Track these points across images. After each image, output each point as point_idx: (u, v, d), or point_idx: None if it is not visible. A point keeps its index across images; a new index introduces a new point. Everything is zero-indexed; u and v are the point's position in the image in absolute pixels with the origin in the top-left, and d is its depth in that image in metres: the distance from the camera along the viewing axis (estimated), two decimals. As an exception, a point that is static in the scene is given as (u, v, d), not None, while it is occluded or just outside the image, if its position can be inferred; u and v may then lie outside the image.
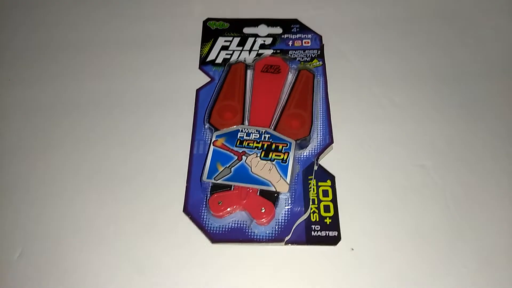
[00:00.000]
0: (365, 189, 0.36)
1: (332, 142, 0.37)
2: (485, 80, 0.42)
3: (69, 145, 0.38)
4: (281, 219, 0.33)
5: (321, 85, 0.41)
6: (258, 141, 0.36)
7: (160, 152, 0.38)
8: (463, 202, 0.35)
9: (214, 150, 0.35)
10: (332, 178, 0.36)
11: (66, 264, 0.33)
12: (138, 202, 0.35)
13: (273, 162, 0.34)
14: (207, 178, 0.34)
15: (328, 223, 0.34)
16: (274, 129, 0.37)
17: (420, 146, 0.38)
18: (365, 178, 0.36)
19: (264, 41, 0.44)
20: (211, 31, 0.45)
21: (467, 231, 0.34)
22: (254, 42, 0.44)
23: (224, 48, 0.44)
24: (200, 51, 0.44)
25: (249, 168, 0.34)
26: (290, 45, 0.44)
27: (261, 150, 0.35)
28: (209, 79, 0.42)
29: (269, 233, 0.33)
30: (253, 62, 0.42)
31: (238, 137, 0.36)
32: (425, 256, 0.33)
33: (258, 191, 0.33)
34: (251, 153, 0.35)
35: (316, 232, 0.33)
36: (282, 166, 0.34)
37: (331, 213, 0.34)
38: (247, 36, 0.44)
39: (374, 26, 0.46)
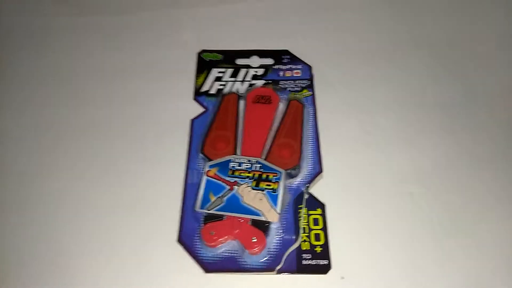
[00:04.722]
0: (355, 217, 0.36)
1: (321, 171, 0.38)
2: (470, 107, 0.43)
3: (65, 173, 0.39)
4: (273, 248, 0.34)
5: (311, 114, 0.42)
6: (249, 171, 0.37)
7: (155, 181, 0.39)
8: (450, 228, 0.36)
9: (207, 180, 0.36)
10: (322, 206, 0.37)
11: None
12: (133, 231, 0.36)
13: (264, 192, 0.35)
14: (200, 208, 0.35)
15: (318, 251, 0.34)
16: (265, 159, 0.38)
17: (407, 173, 0.39)
18: (354, 206, 0.37)
19: (256, 71, 0.46)
20: (205, 63, 0.47)
21: (455, 257, 0.34)
22: (247, 73, 0.46)
23: (218, 79, 0.45)
24: (195, 82, 0.45)
25: (241, 198, 0.35)
26: (281, 75, 0.45)
27: (252, 180, 0.36)
28: (203, 109, 0.43)
29: (261, 262, 0.34)
30: (245, 92, 0.43)
31: (230, 167, 0.37)
32: (414, 283, 0.33)
33: (250, 221, 0.34)
34: (242, 183, 0.36)
35: (307, 261, 0.34)
36: (273, 196, 0.35)
37: (322, 242, 0.35)
38: (239, 67, 0.46)
39: (362, 56, 0.48)
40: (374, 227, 0.36)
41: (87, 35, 0.50)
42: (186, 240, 0.35)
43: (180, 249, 0.35)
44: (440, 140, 0.41)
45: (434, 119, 0.43)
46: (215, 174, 0.37)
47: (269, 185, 0.36)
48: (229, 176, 0.36)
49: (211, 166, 0.37)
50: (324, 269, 0.33)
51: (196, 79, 0.46)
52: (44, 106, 0.44)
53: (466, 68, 0.46)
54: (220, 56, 0.47)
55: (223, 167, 0.37)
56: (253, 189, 0.36)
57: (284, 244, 0.34)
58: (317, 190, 0.38)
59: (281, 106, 0.42)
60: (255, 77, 0.45)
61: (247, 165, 0.37)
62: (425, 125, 0.42)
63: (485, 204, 0.37)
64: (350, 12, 0.52)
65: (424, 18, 0.51)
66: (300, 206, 0.36)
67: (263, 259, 0.34)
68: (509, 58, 0.47)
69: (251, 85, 0.44)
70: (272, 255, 0.34)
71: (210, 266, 0.34)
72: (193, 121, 0.42)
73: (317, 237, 0.35)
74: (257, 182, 0.36)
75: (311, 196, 0.37)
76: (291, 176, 0.37)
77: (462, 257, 0.34)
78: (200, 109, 0.43)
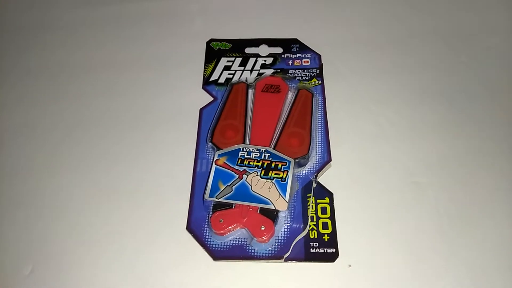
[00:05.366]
0: (362, 206, 0.36)
1: (330, 160, 0.38)
2: (479, 99, 0.43)
3: (75, 163, 0.40)
4: (281, 237, 0.34)
5: (320, 104, 0.42)
6: (259, 159, 0.37)
7: (165, 170, 0.39)
8: (457, 218, 0.36)
9: (216, 169, 0.37)
10: (330, 195, 0.37)
11: (72, 280, 0.34)
12: (144, 220, 0.37)
13: (273, 181, 0.36)
14: (209, 196, 0.35)
15: (326, 240, 0.34)
16: (274, 148, 0.38)
17: (415, 164, 0.39)
18: (362, 195, 0.37)
19: (265, 60, 0.45)
20: (214, 52, 0.47)
21: (461, 248, 0.34)
22: (256, 62, 0.45)
23: (227, 68, 0.45)
24: (204, 71, 0.45)
25: (250, 187, 0.35)
26: (290, 64, 0.45)
27: (261, 169, 0.36)
28: (212, 99, 0.43)
29: (269, 250, 0.34)
30: (254, 81, 0.43)
31: (239, 156, 0.37)
32: (420, 273, 0.33)
33: (258, 209, 0.35)
34: (251, 172, 0.36)
35: (314, 249, 0.34)
36: (281, 185, 0.35)
37: (329, 230, 0.35)
38: (248, 56, 0.46)
39: (372, 45, 0.47)
40: (381, 217, 0.36)
41: (93, 27, 0.51)
42: (195, 228, 0.35)
43: (189, 237, 0.35)
44: (449, 132, 0.41)
45: (443, 111, 0.42)
46: (224, 163, 0.37)
47: (278, 174, 0.36)
48: (238, 165, 0.37)
49: (220, 155, 0.37)
50: (331, 257, 0.34)
51: (205, 68, 0.46)
52: (52, 99, 0.45)
53: (477, 61, 0.46)
54: (229, 45, 0.47)
55: (232, 156, 0.37)
56: (262, 178, 0.36)
57: (292, 233, 0.34)
58: (326, 179, 0.38)
59: (290, 95, 0.42)
60: (264, 66, 0.45)
61: (256, 154, 0.37)
62: (435, 116, 0.42)
63: (492, 196, 0.37)
64: (360, 0, 0.51)
65: (436, 8, 0.50)
66: (309, 194, 0.36)
67: (271, 247, 0.34)
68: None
69: (260, 74, 0.44)
70: (280, 243, 0.34)
71: (218, 253, 0.34)
72: (202, 110, 0.42)
73: (324, 226, 0.35)
74: (266, 171, 0.36)
75: (320, 185, 0.37)
76: (299, 165, 0.37)
77: (468, 248, 0.34)
78: (209, 98, 0.43)
